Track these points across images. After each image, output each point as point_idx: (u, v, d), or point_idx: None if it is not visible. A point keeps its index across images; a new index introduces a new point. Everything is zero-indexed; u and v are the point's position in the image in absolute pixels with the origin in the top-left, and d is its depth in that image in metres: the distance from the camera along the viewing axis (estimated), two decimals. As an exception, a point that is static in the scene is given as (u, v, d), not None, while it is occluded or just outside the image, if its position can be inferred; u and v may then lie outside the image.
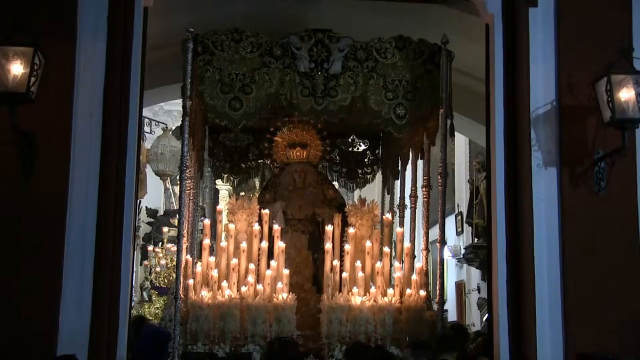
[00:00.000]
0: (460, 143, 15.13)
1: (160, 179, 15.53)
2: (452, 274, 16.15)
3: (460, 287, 15.55)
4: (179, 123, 18.61)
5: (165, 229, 17.53)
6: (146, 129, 16.55)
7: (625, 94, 5.74)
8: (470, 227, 13.85)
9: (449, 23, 7.83)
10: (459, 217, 15.35)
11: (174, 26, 7.83)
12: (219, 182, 14.99)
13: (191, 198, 7.98)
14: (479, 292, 14.02)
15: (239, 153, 9.48)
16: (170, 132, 14.73)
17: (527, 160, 6.05)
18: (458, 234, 15.54)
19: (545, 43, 6.21)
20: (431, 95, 7.39)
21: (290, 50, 7.33)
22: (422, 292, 7.41)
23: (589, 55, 6.09)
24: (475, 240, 13.45)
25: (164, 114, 18.62)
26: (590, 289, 5.90)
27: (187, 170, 7.09)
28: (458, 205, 15.62)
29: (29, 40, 5.49)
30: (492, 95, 6.27)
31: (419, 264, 7.78)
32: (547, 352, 5.85)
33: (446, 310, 16.02)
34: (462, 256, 14.65)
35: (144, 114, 7.50)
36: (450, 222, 15.97)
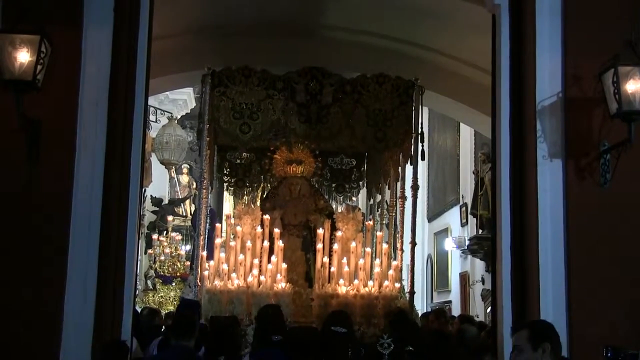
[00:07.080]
0: (466, 134, 15.13)
1: (165, 167, 15.54)
2: (456, 265, 16.17)
3: (464, 278, 15.57)
4: (184, 112, 18.67)
5: (170, 218, 17.59)
6: (152, 117, 16.54)
7: (632, 86, 5.67)
8: (475, 218, 13.86)
9: (456, 15, 7.82)
10: (464, 208, 15.36)
11: (181, 15, 7.83)
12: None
13: (205, 205, 9.07)
14: (483, 284, 14.04)
15: (243, 169, 10.42)
16: (176, 121, 14.72)
17: (532, 151, 6.01)
18: (462, 225, 15.55)
19: (552, 35, 6.14)
20: (405, 122, 8.83)
21: (290, 84, 8.74)
22: (397, 284, 8.54)
23: (595, 47, 6.02)
24: (480, 231, 13.46)
25: (170, 103, 18.59)
26: (595, 281, 5.86)
27: (204, 182, 8.69)
28: (463, 197, 15.62)
29: (36, 28, 5.47)
30: (498, 86, 6.25)
31: (395, 262, 8.97)
32: (551, 343, 5.82)
33: (450, 302, 16.17)
34: (466, 247, 14.66)
35: (149, 103, 7.54)
36: (455, 213, 16.00)
